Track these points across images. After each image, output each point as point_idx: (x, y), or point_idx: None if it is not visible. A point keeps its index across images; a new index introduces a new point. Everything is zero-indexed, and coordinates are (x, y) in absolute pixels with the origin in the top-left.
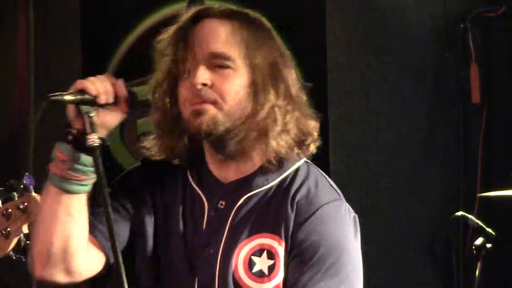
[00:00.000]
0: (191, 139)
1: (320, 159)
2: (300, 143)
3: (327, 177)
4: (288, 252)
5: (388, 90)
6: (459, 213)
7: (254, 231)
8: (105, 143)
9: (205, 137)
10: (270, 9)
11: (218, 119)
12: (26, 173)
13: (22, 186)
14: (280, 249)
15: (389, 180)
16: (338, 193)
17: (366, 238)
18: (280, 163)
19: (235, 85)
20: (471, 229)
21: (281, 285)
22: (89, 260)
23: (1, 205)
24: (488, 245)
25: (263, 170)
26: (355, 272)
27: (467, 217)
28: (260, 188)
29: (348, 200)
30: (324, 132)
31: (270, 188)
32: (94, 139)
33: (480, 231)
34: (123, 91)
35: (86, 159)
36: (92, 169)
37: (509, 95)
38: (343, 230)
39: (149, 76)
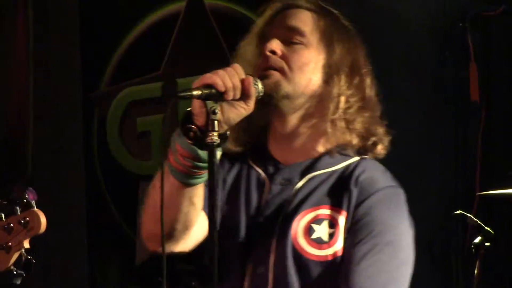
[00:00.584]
0: (258, 115)
1: None
2: (365, 140)
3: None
4: (348, 223)
5: (386, 89)
6: (458, 212)
7: (315, 204)
8: (227, 137)
9: (272, 100)
10: (262, 5)
11: (281, 84)
12: (29, 187)
13: (24, 200)
14: (341, 219)
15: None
16: (399, 186)
17: None
18: (345, 152)
19: (304, 57)
20: (470, 227)
21: (340, 253)
22: (201, 231)
23: (3, 219)
24: (487, 244)
25: (327, 156)
26: (409, 258)
27: (466, 216)
28: (324, 170)
29: None
30: None
31: (333, 171)
32: (213, 138)
33: (479, 230)
34: (251, 87)
35: (205, 154)
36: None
37: (508, 94)
38: (402, 216)
39: (148, 75)
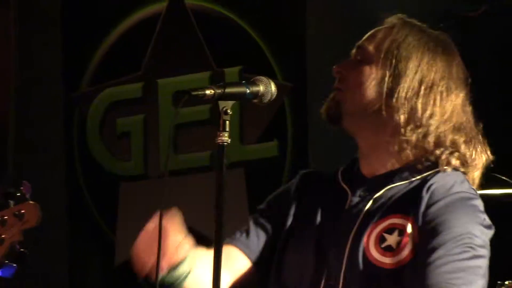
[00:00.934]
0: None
1: (300, 156)
2: (441, 153)
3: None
4: (416, 229)
5: None
6: None
7: (389, 213)
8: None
9: (335, 119)
10: (249, 9)
11: (340, 102)
12: (24, 181)
13: (19, 194)
14: (409, 226)
15: None
16: (477, 195)
17: None
18: (425, 164)
19: (362, 74)
20: None
21: (405, 261)
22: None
23: None
24: None
25: (407, 168)
26: (484, 255)
27: None
28: (402, 182)
29: None
30: (303, 129)
31: (411, 182)
32: (224, 138)
33: None
34: None
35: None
36: None
37: (489, 94)
38: (473, 219)
39: (129, 75)
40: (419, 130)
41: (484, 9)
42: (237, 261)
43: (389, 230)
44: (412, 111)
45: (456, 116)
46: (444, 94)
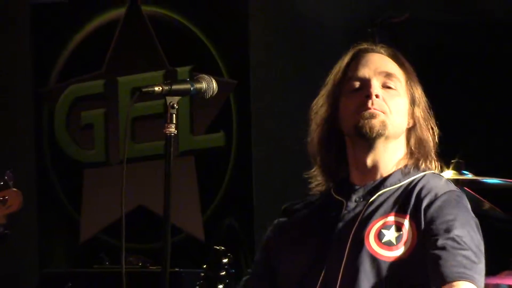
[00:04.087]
0: (354, 143)
1: (243, 145)
2: (426, 159)
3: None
4: (415, 225)
5: (305, 85)
6: None
7: (384, 213)
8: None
9: (376, 137)
10: (198, 14)
11: (386, 124)
12: (8, 171)
13: (2, 182)
14: (406, 222)
15: (309, 168)
16: (460, 191)
17: None
18: (411, 169)
19: (399, 103)
20: None
21: (406, 254)
22: None
23: None
24: None
25: (397, 174)
26: (481, 244)
27: None
28: (392, 186)
29: (270, 188)
30: (247, 121)
31: (400, 186)
32: (171, 130)
33: None
34: None
35: None
36: None
37: None
38: (467, 212)
39: (92, 73)
40: (422, 145)
41: (406, 16)
42: None
43: (387, 227)
44: (417, 132)
45: (434, 132)
46: (430, 113)
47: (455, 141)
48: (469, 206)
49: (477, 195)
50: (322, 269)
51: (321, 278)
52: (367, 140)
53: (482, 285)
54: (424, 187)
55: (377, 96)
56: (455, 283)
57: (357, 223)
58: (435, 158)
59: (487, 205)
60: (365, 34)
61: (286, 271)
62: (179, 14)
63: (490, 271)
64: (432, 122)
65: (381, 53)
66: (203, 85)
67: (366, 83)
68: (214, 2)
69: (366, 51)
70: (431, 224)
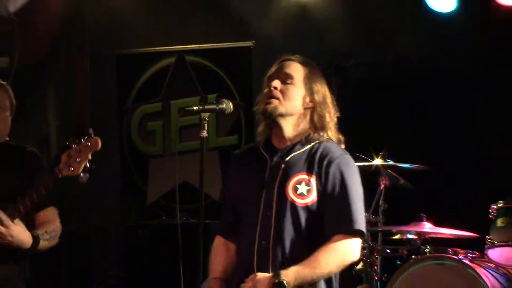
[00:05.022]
0: (266, 122)
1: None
2: (323, 131)
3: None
4: (319, 183)
5: None
6: None
7: (297, 172)
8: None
9: (268, 116)
10: (218, 59)
11: (277, 107)
12: (90, 130)
13: (88, 133)
14: (312, 179)
15: None
16: (349, 154)
17: None
18: (312, 138)
19: (292, 93)
20: None
21: (313, 201)
22: None
23: (76, 145)
24: None
25: (303, 142)
26: (362, 194)
27: None
28: (300, 150)
29: None
30: (251, 130)
31: (305, 150)
32: (204, 134)
33: None
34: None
35: None
36: None
37: (354, 111)
38: (356, 171)
39: (154, 99)
40: (321, 121)
41: (352, 62)
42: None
43: (299, 182)
44: (315, 112)
45: (333, 113)
46: (329, 99)
47: (383, 139)
48: (356, 166)
49: (396, 175)
50: (261, 200)
51: (262, 202)
52: (269, 118)
53: (364, 224)
54: (323, 152)
55: (275, 88)
56: (343, 229)
57: (278, 177)
58: (335, 131)
59: (402, 181)
60: (324, 73)
61: (235, 191)
62: (209, 61)
63: (404, 222)
64: (330, 107)
65: (293, 60)
66: (224, 105)
67: (271, 81)
68: (230, 53)
69: (284, 60)
70: (329, 180)
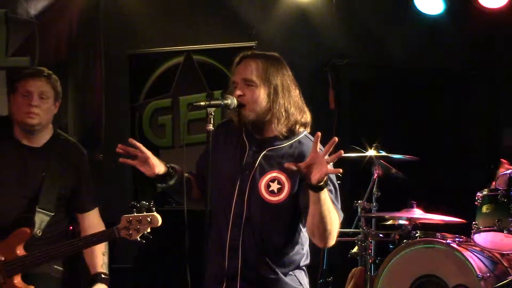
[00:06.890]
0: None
1: None
2: (297, 125)
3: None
4: (291, 183)
5: None
6: None
7: (271, 168)
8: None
9: (244, 126)
10: (223, 57)
11: (246, 114)
12: (153, 207)
13: (149, 207)
14: (284, 179)
15: None
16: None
17: None
18: (290, 133)
19: (256, 95)
20: None
21: (285, 199)
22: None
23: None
24: None
25: (279, 136)
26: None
27: None
28: (277, 146)
29: None
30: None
31: (284, 146)
32: (210, 127)
33: None
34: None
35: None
36: None
37: (349, 107)
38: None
39: (164, 94)
40: (285, 114)
41: (346, 61)
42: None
43: (272, 180)
44: (282, 108)
45: (299, 105)
46: (295, 90)
47: (377, 132)
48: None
49: (388, 164)
50: (235, 188)
51: (236, 191)
52: (245, 127)
53: (341, 212)
54: (303, 151)
55: (240, 95)
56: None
57: (252, 172)
58: (304, 125)
59: (393, 170)
60: (321, 72)
61: (213, 168)
62: (215, 60)
63: (396, 208)
64: (292, 91)
65: (250, 57)
66: (229, 101)
67: (236, 85)
68: (235, 52)
69: (244, 57)
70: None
